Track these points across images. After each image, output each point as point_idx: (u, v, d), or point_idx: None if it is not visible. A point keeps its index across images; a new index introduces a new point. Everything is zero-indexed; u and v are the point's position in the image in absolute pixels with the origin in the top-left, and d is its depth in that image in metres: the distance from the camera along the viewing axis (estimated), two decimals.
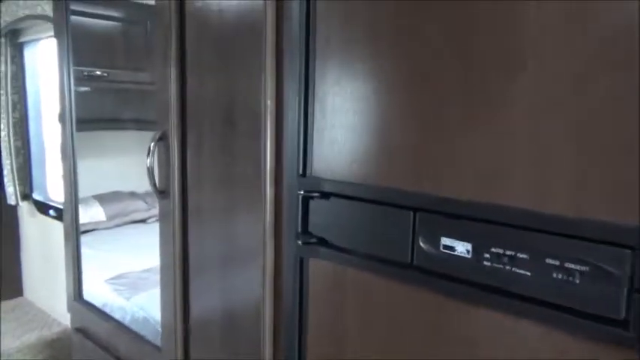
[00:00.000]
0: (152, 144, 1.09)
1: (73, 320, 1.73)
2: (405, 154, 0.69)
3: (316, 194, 0.80)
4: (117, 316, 2.15)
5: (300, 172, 0.83)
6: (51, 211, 2.39)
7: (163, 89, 1.07)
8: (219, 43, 0.99)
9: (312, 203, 0.81)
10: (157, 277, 2.40)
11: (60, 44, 1.64)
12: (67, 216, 1.67)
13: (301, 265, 0.83)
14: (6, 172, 2.50)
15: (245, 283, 0.97)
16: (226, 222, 1.00)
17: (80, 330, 1.65)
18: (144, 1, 2.84)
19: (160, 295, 1.30)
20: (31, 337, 2.32)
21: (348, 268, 0.78)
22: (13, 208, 2.67)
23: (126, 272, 2.35)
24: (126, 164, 3.39)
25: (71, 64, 1.68)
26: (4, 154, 2.51)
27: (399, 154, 0.70)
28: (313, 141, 0.81)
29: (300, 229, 0.82)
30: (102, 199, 3.11)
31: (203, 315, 1.11)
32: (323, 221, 0.80)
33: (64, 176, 1.78)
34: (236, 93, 0.96)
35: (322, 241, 0.80)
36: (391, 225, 0.71)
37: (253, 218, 0.92)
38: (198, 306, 1.12)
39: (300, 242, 0.81)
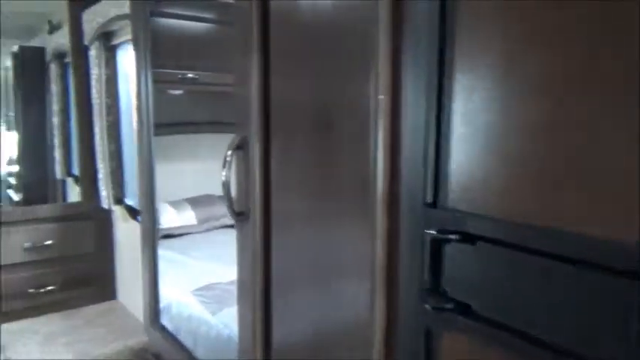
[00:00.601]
0: (229, 153, 0.87)
1: (150, 344, 1.60)
2: (613, 181, 0.40)
3: (454, 236, 0.52)
4: (202, 330, 2.03)
5: (429, 199, 0.55)
6: (139, 217, 2.34)
7: (243, 90, 0.86)
8: (312, 42, 0.77)
9: (447, 248, 0.53)
10: None
11: (137, 46, 1.51)
12: (144, 228, 1.53)
13: (428, 339, 0.56)
14: (100, 175, 2.50)
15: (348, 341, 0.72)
16: (320, 243, 0.77)
17: (158, 357, 1.51)
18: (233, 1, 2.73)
19: (237, 316, 1.09)
20: (119, 344, 2.28)
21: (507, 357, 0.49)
22: (108, 212, 2.67)
23: (213, 283, 2.23)
24: (218, 167, 3.34)
25: (149, 67, 1.56)
26: (98, 157, 2.50)
27: (601, 179, 0.40)
28: (450, 155, 0.53)
29: (428, 286, 0.55)
30: (194, 202, 3.07)
31: (288, 339, 0.88)
32: (465, 277, 0.52)
33: (140, 184, 1.67)
34: (334, 93, 0.72)
35: (463, 308, 0.52)
36: (589, 298, 0.42)
37: (357, 253, 0.67)
38: (283, 330, 0.89)
39: (427, 306, 0.54)
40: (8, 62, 3.68)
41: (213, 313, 2.02)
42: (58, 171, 3.40)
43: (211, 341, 1.96)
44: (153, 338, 1.63)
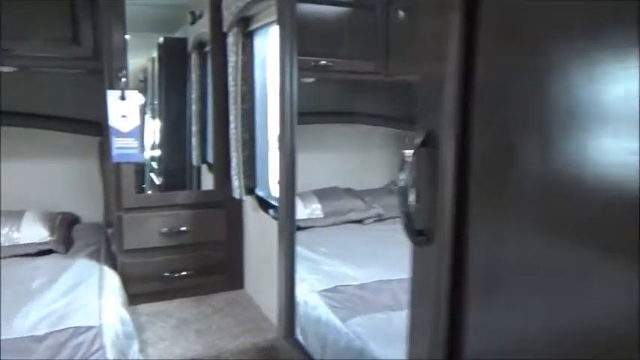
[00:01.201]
0: (409, 152, 0.65)
1: (280, 353, 1.46)
2: None
3: None
4: (330, 337, 1.87)
5: None
6: (271, 211, 2.24)
7: (432, 67, 0.63)
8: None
9: None
10: (374, 298, 2.04)
11: (283, 32, 1.36)
12: (282, 223, 1.39)
13: None
14: (233, 164, 2.46)
15: None
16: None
17: None
18: None
19: (409, 325, 0.84)
20: (246, 340, 2.22)
21: None
22: (240, 201, 2.64)
23: (341, 285, 2.06)
24: (345, 160, 3.18)
25: (295, 54, 1.40)
26: (232, 146, 2.47)
27: None
28: None
29: None
30: (320, 195, 2.94)
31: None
32: None
33: (281, 175, 1.53)
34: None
35: None
36: None
37: None
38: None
39: None
40: (154, 54, 3.90)
41: (343, 320, 1.84)
42: (195, 157, 3.52)
43: (340, 351, 1.79)
44: (284, 350, 1.49)
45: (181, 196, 2.63)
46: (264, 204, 2.42)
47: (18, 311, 1.89)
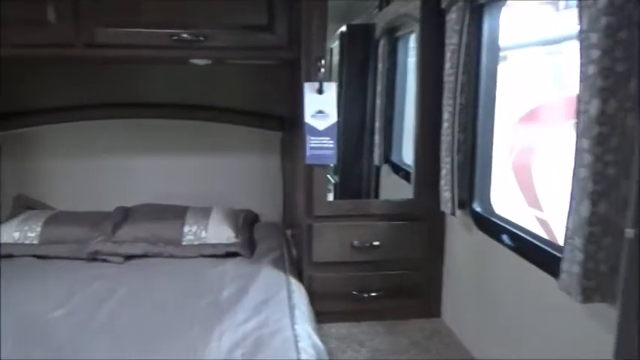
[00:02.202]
0: None
1: None
2: None
3: None
4: None
5: None
6: (504, 237, 1.75)
7: None
8: None
9: None
10: None
11: None
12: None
13: None
14: (444, 172, 2.02)
15: None
16: None
17: None
18: None
19: None
20: None
21: None
22: (442, 214, 2.20)
23: None
24: None
25: None
26: (443, 149, 2.02)
27: None
28: None
29: None
30: None
31: None
32: None
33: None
34: None
35: None
36: None
37: None
38: None
39: None
40: (333, 44, 3.65)
41: None
42: (377, 157, 3.18)
43: None
44: None
45: (375, 205, 2.27)
46: (482, 221, 1.93)
47: (212, 330, 1.71)
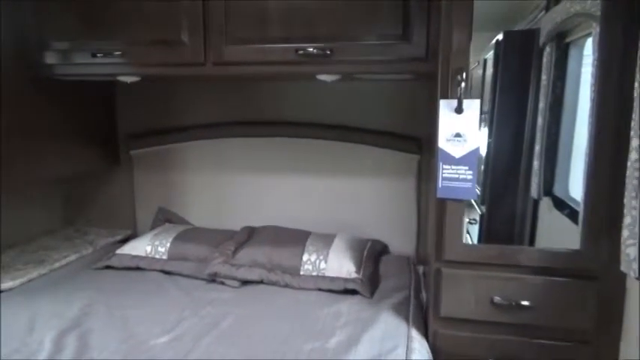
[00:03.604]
0: None
1: None
2: None
3: None
4: None
5: None
6: None
7: None
8: None
9: None
10: None
11: None
12: None
13: None
14: (628, 219, 1.48)
15: None
16: None
17: None
18: None
19: None
20: None
21: None
22: (623, 278, 1.65)
23: None
24: None
25: None
26: (628, 188, 1.49)
27: None
28: None
29: None
30: None
31: None
32: None
33: None
34: None
35: None
36: None
37: None
38: None
39: None
40: (486, 55, 3.20)
41: None
42: (534, 187, 2.63)
43: None
44: None
45: (528, 254, 1.79)
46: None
47: None
